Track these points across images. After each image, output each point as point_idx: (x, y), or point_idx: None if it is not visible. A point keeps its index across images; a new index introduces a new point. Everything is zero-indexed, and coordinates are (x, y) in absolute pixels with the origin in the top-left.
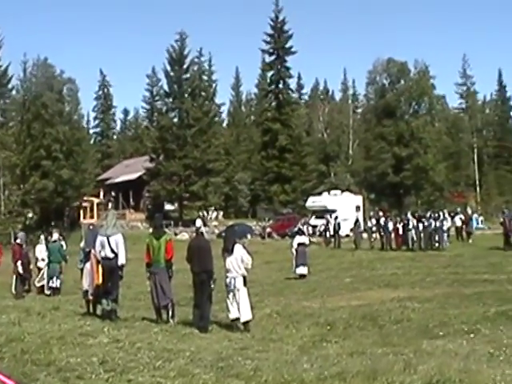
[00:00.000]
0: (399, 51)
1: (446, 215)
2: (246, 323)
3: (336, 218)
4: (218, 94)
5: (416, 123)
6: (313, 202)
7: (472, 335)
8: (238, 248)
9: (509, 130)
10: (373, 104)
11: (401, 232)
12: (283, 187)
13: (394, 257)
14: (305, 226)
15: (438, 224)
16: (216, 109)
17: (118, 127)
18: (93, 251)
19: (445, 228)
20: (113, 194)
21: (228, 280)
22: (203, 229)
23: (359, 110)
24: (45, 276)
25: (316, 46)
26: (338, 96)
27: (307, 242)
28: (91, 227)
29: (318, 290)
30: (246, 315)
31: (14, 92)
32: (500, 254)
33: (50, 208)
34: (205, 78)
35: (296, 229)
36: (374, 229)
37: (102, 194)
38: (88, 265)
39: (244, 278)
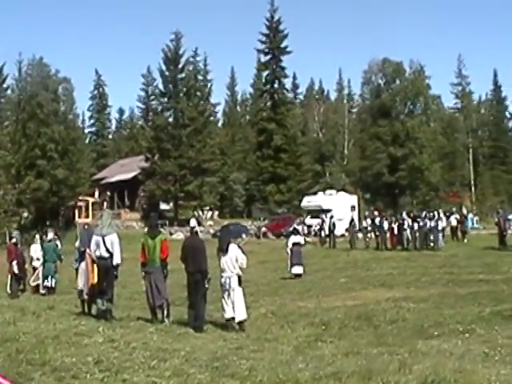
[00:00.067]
0: (395, 51)
1: (442, 215)
2: (241, 323)
3: (331, 217)
4: (214, 93)
5: (411, 123)
6: (308, 201)
7: (467, 335)
8: (233, 248)
9: (504, 130)
10: (368, 104)
11: (396, 232)
12: (278, 187)
13: (389, 257)
14: (300, 226)
15: (433, 224)
16: (211, 108)
17: (114, 127)
18: (88, 251)
19: (440, 228)
20: (108, 193)
21: (223, 280)
22: (198, 228)
23: (354, 110)
24: (40, 275)
25: (311, 45)
26: (333, 96)
27: (302, 242)
28: (86, 227)
29: (313, 290)
30: (241, 315)
31: (9, 91)
32: (495, 254)
33: (45, 207)
34: (200, 77)
35: (291, 228)
36: (370, 229)
37: (97, 193)
38: (83, 264)
39: (239, 277)
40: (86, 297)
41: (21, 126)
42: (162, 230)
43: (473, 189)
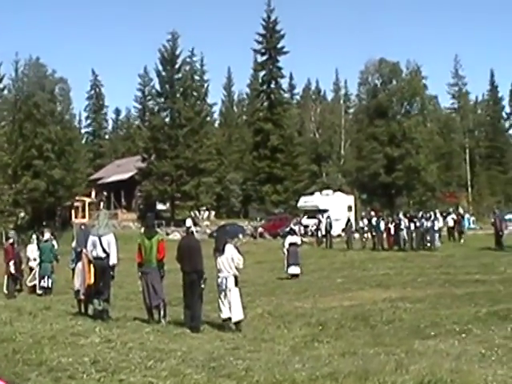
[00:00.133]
0: (391, 51)
1: (438, 215)
2: (237, 323)
3: (328, 217)
4: (210, 93)
5: (408, 123)
6: (304, 202)
7: (463, 335)
8: (229, 248)
9: (500, 130)
10: (365, 104)
11: (392, 232)
12: (275, 187)
13: (385, 257)
14: (296, 226)
15: (429, 224)
16: (208, 109)
17: (110, 127)
18: (84, 251)
19: (436, 228)
20: (104, 193)
21: (219, 280)
22: (193, 228)
23: (351, 110)
24: (36, 276)
25: (308, 46)
26: (329, 96)
27: (299, 242)
28: (83, 227)
29: (310, 290)
30: (237, 315)
31: (5, 92)
32: (491, 255)
33: (41, 208)
34: (197, 77)
35: (288, 229)
36: (366, 229)
37: (93, 193)
38: (80, 264)
39: (235, 277)
40: (82, 297)
41: (17, 126)
42: (158, 230)
43: (469, 189)
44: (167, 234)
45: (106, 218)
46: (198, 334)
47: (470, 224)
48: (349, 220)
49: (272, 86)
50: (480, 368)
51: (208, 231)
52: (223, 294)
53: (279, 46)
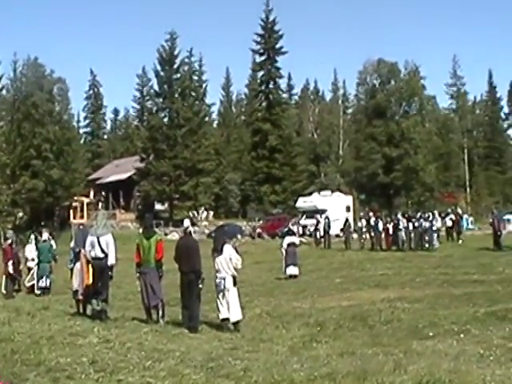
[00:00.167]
0: (390, 52)
1: (437, 215)
2: (236, 323)
3: (326, 218)
4: (209, 94)
5: (406, 124)
6: (303, 202)
7: (462, 335)
8: (228, 248)
9: (499, 130)
10: (363, 104)
11: (391, 232)
12: (273, 187)
13: (384, 257)
14: (295, 227)
15: (427, 224)
16: (206, 109)
17: (109, 127)
18: (83, 251)
19: (435, 228)
20: (103, 193)
21: (218, 280)
22: (191, 228)
23: (349, 111)
24: (35, 276)
25: (306, 46)
26: (328, 96)
27: (297, 243)
28: (81, 227)
29: (308, 291)
30: (235, 315)
31: (4, 92)
32: (490, 255)
33: (40, 208)
34: (195, 78)
35: (286, 229)
36: (364, 229)
37: (92, 193)
38: (78, 265)
39: (234, 278)
40: (80, 297)
41: (16, 126)
42: (156, 230)
43: (468, 189)
44: (165, 234)
45: (104, 218)
46: (196, 335)
47: (468, 224)
48: (347, 220)
49: (270, 86)
50: (478, 368)
51: (206, 231)
52: (221, 294)
53: (278, 46)
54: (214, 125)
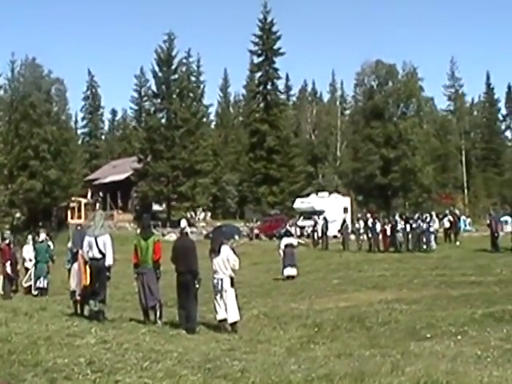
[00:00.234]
0: (388, 53)
1: (434, 217)
2: (233, 324)
3: (324, 219)
4: (206, 94)
5: (404, 125)
6: (301, 203)
7: (459, 337)
8: (225, 249)
9: (496, 132)
10: (361, 106)
11: (388, 234)
12: (271, 188)
13: (381, 258)
14: (292, 228)
15: (425, 226)
16: (204, 110)
17: (106, 127)
18: (80, 252)
19: (432, 230)
20: (101, 194)
21: (215, 281)
22: (188, 229)
23: (347, 112)
24: (32, 276)
25: (304, 47)
26: (326, 97)
27: (295, 244)
28: (79, 228)
29: (306, 292)
30: (233, 316)
31: (1, 92)
32: (487, 256)
33: (37, 208)
34: (193, 78)
35: (284, 230)
36: (362, 230)
37: (89, 194)
38: (75, 265)
39: (231, 279)
40: (78, 298)
41: (13, 127)
42: (154, 231)
43: (465, 191)
44: (163, 235)
45: (101, 218)
46: (193, 335)
47: (465, 225)
48: (344, 221)
49: (268, 87)
50: (476, 370)
51: (204, 232)
52: (219, 295)
53: (275, 47)
54: (212, 126)
